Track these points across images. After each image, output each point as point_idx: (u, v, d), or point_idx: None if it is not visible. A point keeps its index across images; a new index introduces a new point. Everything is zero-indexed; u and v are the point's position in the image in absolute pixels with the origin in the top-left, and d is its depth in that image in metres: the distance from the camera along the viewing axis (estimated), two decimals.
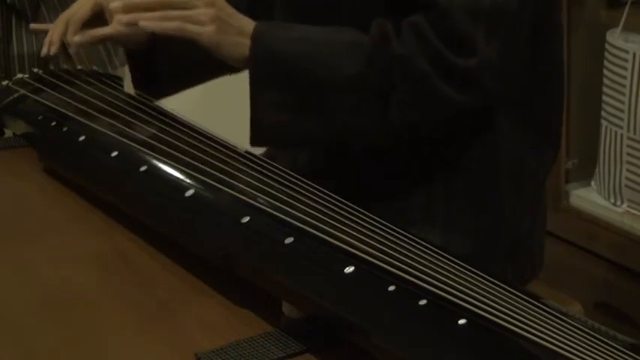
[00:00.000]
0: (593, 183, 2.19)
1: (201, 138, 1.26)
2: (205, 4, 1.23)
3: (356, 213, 1.08)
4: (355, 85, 1.19)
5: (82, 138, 1.31)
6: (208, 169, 1.16)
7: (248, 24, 1.23)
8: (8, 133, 1.54)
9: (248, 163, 1.20)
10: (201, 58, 1.27)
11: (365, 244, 1.00)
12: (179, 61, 1.43)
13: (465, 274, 0.97)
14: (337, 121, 1.21)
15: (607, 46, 2.05)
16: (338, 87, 1.20)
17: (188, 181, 1.16)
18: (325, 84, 1.20)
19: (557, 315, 0.92)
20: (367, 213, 1.09)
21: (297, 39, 1.22)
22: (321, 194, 1.12)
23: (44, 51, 1.42)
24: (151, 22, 1.24)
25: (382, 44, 1.19)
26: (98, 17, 1.42)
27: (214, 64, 1.27)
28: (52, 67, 1.51)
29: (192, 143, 1.24)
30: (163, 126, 1.29)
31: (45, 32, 1.47)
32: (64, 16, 1.43)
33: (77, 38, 1.39)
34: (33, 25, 1.55)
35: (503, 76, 1.22)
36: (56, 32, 1.42)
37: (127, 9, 1.28)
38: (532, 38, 1.25)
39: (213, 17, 1.22)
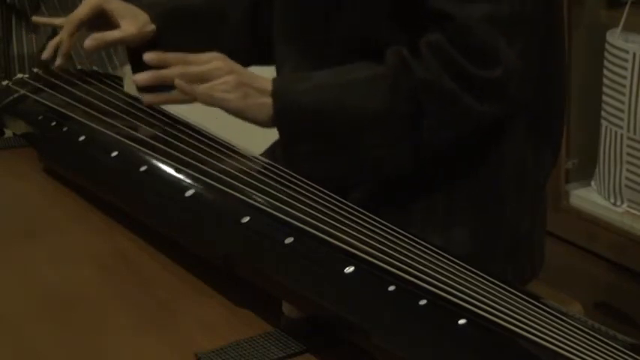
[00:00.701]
0: (593, 183, 2.19)
1: (202, 138, 1.26)
2: (225, 72, 1.24)
3: (356, 213, 1.08)
4: (383, 118, 1.20)
5: (82, 138, 1.31)
6: (208, 169, 1.16)
7: (266, 83, 1.23)
8: (8, 133, 1.54)
9: (248, 163, 1.20)
10: None
11: (365, 244, 1.00)
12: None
13: (465, 274, 0.97)
14: (371, 157, 1.22)
15: (607, 46, 2.05)
16: (367, 125, 1.20)
17: (188, 181, 1.16)
18: (354, 125, 1.21)
19: (557, 315, 0.92)
20: (367, 213, 1.09)
21: (317, 87, 1.22)
22: (321, 194, 1.12)
23: (44, 55, 1.43)
24: (185, 88, 1.25)
25: (403, 72, 1.19)
26: (100, 18, 1.42)
27: None
28: (52, 67, 1.51)
29: (192, 143, 1.24)
30: (163, 126, 1.29)
31: (46, 25, 1.48)
32: (69, 19, 1.43)
33: (87, 43, 1.39)
34: (35, 18, 1.55)
35: (525, 80, 1.23)
36: (65, 33, 1.42)
37: (151, 81, 1.27)
38: (545, 41, 1.26)
39: (235, 84, 1.23)
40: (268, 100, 1.22)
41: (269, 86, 1.23)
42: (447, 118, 1.20)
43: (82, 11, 1.42)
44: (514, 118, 1.28)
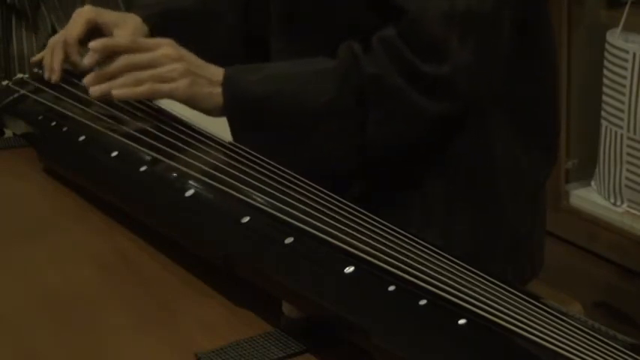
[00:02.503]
0: (593, 183, 2.19)
1: (202, 138, 1.26)
2: (173, 59, 1.23)
3: (356, 213, 1.08)
4: (329, 111, 1.20)
5: (82, 138, 1.31)
6: (208, 169, 1.16)
7: (217, 72, 1.23)
8: (8, 133, 1.54)
9: (248, 162, 1.20)
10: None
11: (365, 244, 1.00)
12: None
13: (465, 274, 0.97)
14: (316, 150, 1.22)
15: (607, 46, 2.05)
16: (313, 117, 1.21)
17: (188, 181, 1.16)
18: (300, 116, 1.21)
19: (557, 315, 0.92)
20: (367, 213, 1.09)
21: (266, 78, 1.23)
22: (321, 194, 1.12)
23: (47, 76, 1.44)
24: (122, 90, 1.25)
25: (352, 66, 1.19)
26: (95, 32, 1.43)
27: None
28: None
29: (192, 143, 1.24)
30: (163, 126, 1.28)
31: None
32: (59, 40, 1.43)
33: (87, 61, 1.39)
34: (33, 59, 1.55)
35: (481, 77, 1.22)
36: (56, 59, 1.43)
37: (97, 80, 1.28)
38: (516, 37, 1.24)
39: (183, 72, 1.22)
40: (218, 90, 1.22)
41: (220, 76, 1.22)
42: (394, 113, 1.20)
43: (78, 30, 1.42)
44: (500, 117, 1.28)
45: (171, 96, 1.23)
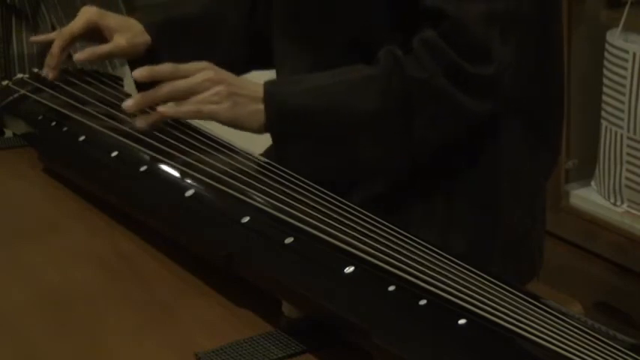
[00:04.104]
0: (593, 183, 2.19)
1: (202, 137, 1.26)
2: (214, 82, 1.22)
3: (356, 213, 1.08)
4: (376, 119, 1.20)
5: (82, 138, 1.31)
6: (208, 169, 1.16)
7: (258, 89, 1.22)
8: (8, 133, 1.54)
9: (248, 162, 1.20)
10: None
11: (365, 244, 1.00)
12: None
13: (465, 274, 0.97)
14: (365, 158, 1.22)
15: (607, 46, 2.05)
16: (359, 126, 1.20)
17: (188, 181, 1.16)
18: (346, 126, 1.20)
19: (557, 315, 0.92)
20: (367, 213, 1.09)
21: (308, 90, 1.22)
22: (321, 194, 1.12)
23: (44, 72, 1.45)
24: (168, 109, 1.24)
25: (395, 72, 1.19)
26: (94, 32, 1.43)
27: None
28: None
29: (192, 143, 1.24)
30: (163, 126, 1.28)
31: (42, 42, 1.49)
32: (63, 31, 1.45)
33: (78, 56, 1.41)
34: (33, 38, 1.56)
35: (520, 76, 1.23)
36: (56, 45, 1.44)
37: (140, 106, 1.26)
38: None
39: (225, 94, 1.21)
40: (260, 107, 1.21)
41: (260, 92, 1.22)
42: (441, 115, 1.20)
43: (76, 26, 1.43)
44: (511, 118, 1.28)
45: (215, 118, 1.22)
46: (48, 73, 1.44)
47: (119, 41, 1.43)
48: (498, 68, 1.18)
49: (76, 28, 1.43)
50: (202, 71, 1.23)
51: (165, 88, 1.23)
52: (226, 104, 1.21)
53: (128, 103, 1.26)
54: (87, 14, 1.44)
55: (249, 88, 1.23)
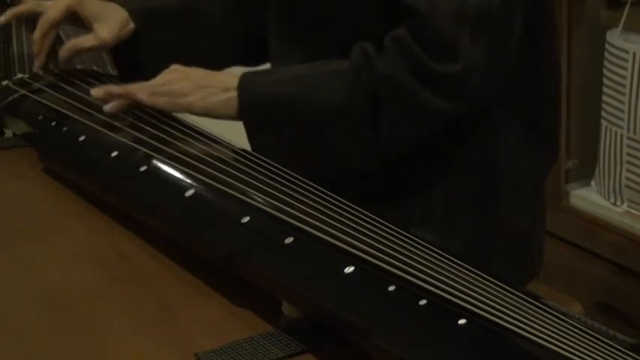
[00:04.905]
0: (593, 183, 2.19)
1: (201, 138, 1.26)
2: (180, 79, 1.27)
3: (356, 213, 1.08)
4: (344, 113, 1.21)
5: (82, 138, 1.31)
6: (208, 169, 1.16)
7: (230, 79, 1.26)
8: (8, 133, 1.54)
9: (248, 162, 1.20)
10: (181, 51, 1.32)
11: (365, 244, 1.00)
12: (162, 52, 1.45)
13: (464, 274, 0.97)
14: (330, 151, 1.23)
15: (607, 46, 2.05)
16: (327, 118, 1.22)
17: (188, 181, 1.16)
18: (314, 118, 1.22)
19: (557, 315, 0.92)
20: (367, 213, 1.09)
21: (280, 79, 1.25)
22: (321, 194, 1.12)
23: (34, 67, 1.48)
24: (143, 96, 1.28)
25: (364, 67, 1.19)
26: (75, 17, 1.43)
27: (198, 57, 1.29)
28: (52, 67, 1.51)
29: (192, 143, 1.24)
30: (163, 126, 1.28)
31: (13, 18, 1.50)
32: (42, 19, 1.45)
33: (62, 54, 1.43)
34: (3, 16, 1.55)
35: (492, 77, 1.22)
36: (37, 33, 1.45)
37: (110, 98, 1.30)
38: (525, 39, 1.24)
39: (192, 87, 1.26)
40: (233, 94, 1.24)
41: (233, 81, 1.24)
42: (407, 113, 1.20)
43: (53, 15, 1.43)
44: (510, 118, 1.28)
45: (188, 110, 1.27)
46: (35, 62, 1.45)
47: (101, 34, 1.43)
48: (465, 68, 1.17)
49: (54, 18, 1.43)
50: (169, 72, 1.28)
51: (135, 85, 1.28)
52: (198, 95, 1.25)
53: (109, 106, 1.30)
54: (65, 1, 1.43)
55: (218, 78, 1.27)
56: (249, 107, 1.24)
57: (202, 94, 1.25)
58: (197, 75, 1.27)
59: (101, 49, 1.47)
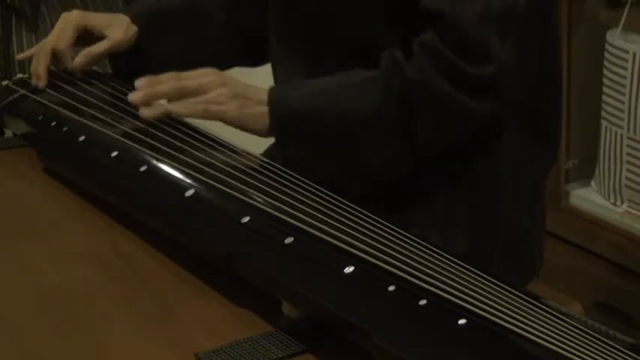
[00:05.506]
0: (593, 183, 2.19)
1: (201, 138, 1.26)
2: (218, 84, 1.24)
3: (356, 213, 1.08)
4: (377, 121, 1.20)
5: (82, 138, 1.31)
6: (208, 169, 1.16)
7: (262, 93, 1.24)
8: (8, 133, 1.54)
9: (247, 162, 1.20)
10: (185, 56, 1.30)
11: (365, 244, 1.00)
12: (164, 55, 1.45)
13: (464, 274, 0.97)
14: (368, 160, 1.22)
15: (607, 46, 2.05)
16: (360, 128, 1.21)
17: (188, 181, 1.16)
18: (348, 128, 1.21)
19: (557, 315, 0.92)
20: (367, 213, 1.09)
21: (311, 93, 1.23)
22: (321, 194, 1.12)
23: (34, 82, 1.45)
24: (177, 107, 1.25)
25: (395, 74, 1.19)
26: (85, 35, 1.43)
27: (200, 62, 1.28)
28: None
29: (192, 143, 1.24)
30: (163, 126, 1.28)
31: (28, 58, 1.49)
32: (47, 46, 1.44)
33: (77, 60, 1.43)
34: (19, 56, 1.56)
35: (521, 74, 1.22)
36: (42, 65, 1.44)
37: (147, 100, 1.27)
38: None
39: (230, 95, 1.23)
40: (265, 109, 1.22)
41: (265, 96, 1.23)
42: (442, 117, 1.20)
43: (66, 37, 1.43)
44: (510, 118, 1.28)
45: (221, 118, 1.24)
46: (35, 81, 1.45)
47: (116, 35, 1.43)
48: (498, 67, 1.18)
49: (71, 40, 1.43)
50: (206, 75, 1.25)
51: (171, 84, 1.24)
52: (232, 105, 1.23)
53: (134, 96, 1.27)
54: (72, 21, 1.43)
55: (253, 91, 1.25)
56: (283, 122, 1.22)
57: (237, 104, 1.23)
58: (235, 83, 1.25)
59: (115, 50, 1.46)
